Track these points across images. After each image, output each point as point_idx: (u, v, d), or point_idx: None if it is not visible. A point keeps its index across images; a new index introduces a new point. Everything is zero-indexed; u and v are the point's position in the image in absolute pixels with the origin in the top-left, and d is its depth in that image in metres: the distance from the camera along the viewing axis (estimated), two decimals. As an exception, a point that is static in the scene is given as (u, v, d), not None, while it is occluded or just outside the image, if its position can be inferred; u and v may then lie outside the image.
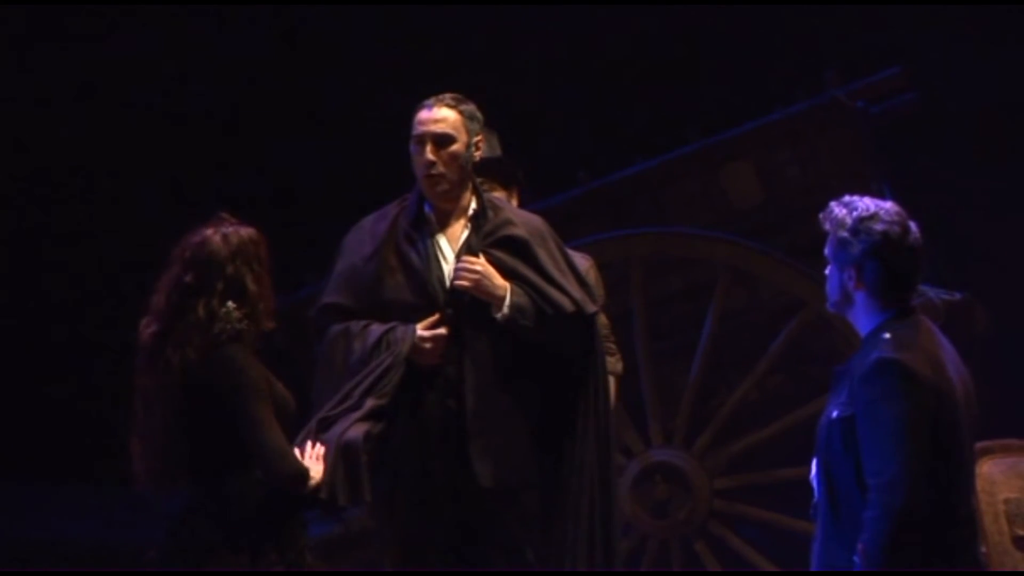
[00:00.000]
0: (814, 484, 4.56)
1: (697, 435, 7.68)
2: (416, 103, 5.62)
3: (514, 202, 6.22)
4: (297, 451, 4.96)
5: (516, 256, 5.51)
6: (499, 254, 5.50)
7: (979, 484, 6.41)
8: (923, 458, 4.24)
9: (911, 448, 4.23)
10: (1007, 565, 6.58)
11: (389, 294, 5.49)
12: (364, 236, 5.61)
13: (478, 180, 5.69)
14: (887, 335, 4.37)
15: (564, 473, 5.52)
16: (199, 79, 10.13)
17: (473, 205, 5.60)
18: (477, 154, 5.61)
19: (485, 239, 5.53)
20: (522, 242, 5.54)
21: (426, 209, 5.57)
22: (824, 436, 4.45)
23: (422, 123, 5.53)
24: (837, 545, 4.37)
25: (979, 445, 5.63)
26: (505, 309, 5.40)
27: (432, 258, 5.51)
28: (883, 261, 4.43)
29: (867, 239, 4.42)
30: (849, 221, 4.45)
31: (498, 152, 6.49)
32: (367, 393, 5.27)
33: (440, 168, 5.49)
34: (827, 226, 4.51)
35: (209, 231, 4.84)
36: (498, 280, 5.42)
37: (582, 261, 6.10)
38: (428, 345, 5.37)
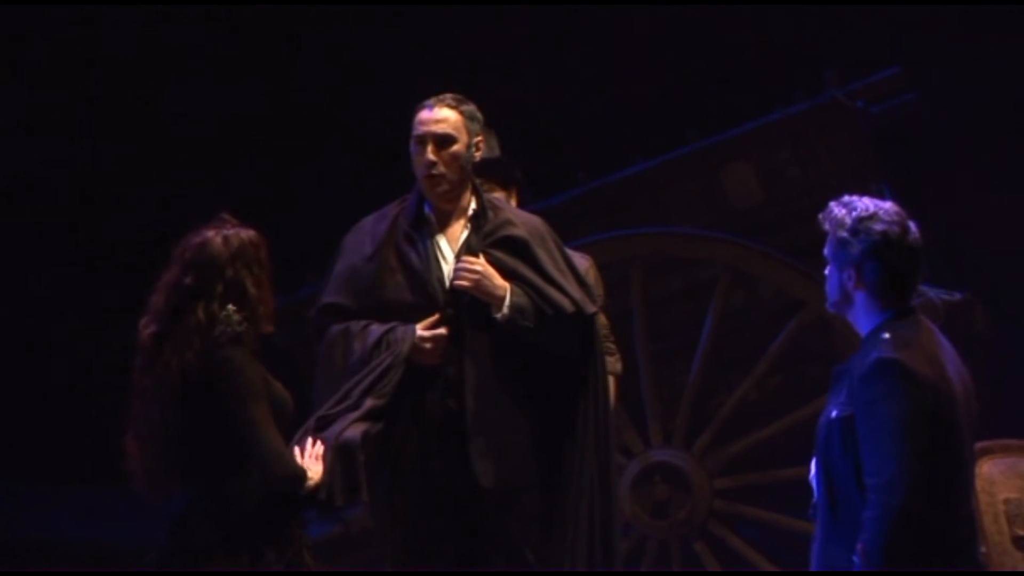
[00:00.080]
0: (813, 484, 4.56)
1: (697, 435, 7.68)
2: (416, 103, 5.62)
3: (513, 202, 6.22)
4: (297, 450, 4.96)
5: (516, 256, 5.52)
6: (499, 254, 5.50)
7: (979, 484, 6.41)
8: (923, 458, 4.24)
9: (910, 448, 4.23)
10: (1007, 565, 6.58)
11: (389, 294, 5.49)
12: (364, 236, 5.61)
13: (477, 180, 5.69)
14: (887, 335, 4.38)
15: (564, 473, 5.52)
16: (199, 79, 10.12)
17: (473, 205, 5.60)
18: (477, 154, 5.62)
19: (485, 239, 5.54)
20: (522, 242, 5.54)
21: (426, 209, 5.57)
22: (823, 436, 4.45)
23: (423, 123, 5.53)
24: (837, 545, 4.37)
25: (979, 445, 5.63)
26: (505, 309, 5.40)
27: (432, 258, 5.51)
28: (883, 261, 4.43)
29: (867, 239, 4.42)
30: (849, 221, 4.45)
31: (497, 152, 6.49)
32: (366, 393, 5.27)
33: (441, 168, 5.49)
34: (827, 226, 4.51)
35: (210, 232, 4.83)
36: (498, 280, 5.43)
37: (581, 261, 6.10)
38: (428, 345, 5.37)
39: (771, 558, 7.58)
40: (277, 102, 10.20)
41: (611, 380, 6.04)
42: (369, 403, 5.24)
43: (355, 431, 5.12)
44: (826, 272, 4.56)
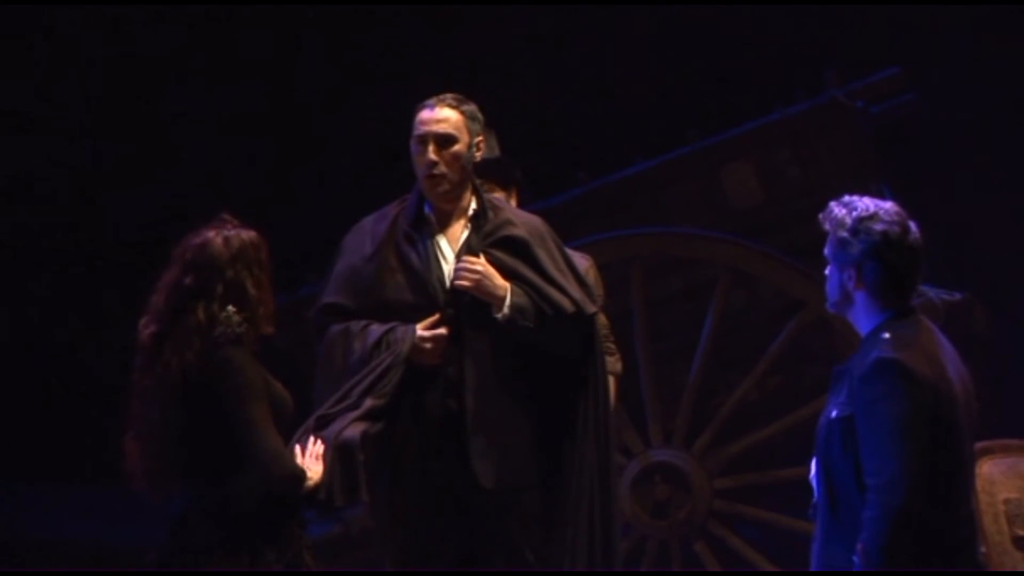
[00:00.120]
0: (813, 484, 4.56)
1: (697, 435, 7.68)
2: (416, 103, 5.62)
3: (513, 202, 6.23)
4: (297, 448, 4.96)
5: (516, 256, 5.52)
6: (499, 254, 5.50)
7: (979, 484, 6.41)
8: (922, 458, 4.24)
9: (910, 448, 4.24)
10: (1007, 565, 6.58)
11: (389, 294, 5.49)
12: (364, 236, 5.61)
13: (477, 181, 5.69)
14: (887, 335, 4.38)
15: (564, 473, 5.52)
16: (199, 79, 10.12)
17: (473, 205, 5.60)
18: (478, 155, 5.62)
19: (485, 239, 5.54)
20: (522, 242, 5.54)
21: (426, 209, 5.57)
22: (823, 436, 4.45)
23: (424, 123, 5.53)
24: (837, 545, 4.37)
25: (979, 445, 5.63)
26: (505, 309, 5.40)
27: (432, 258, 5.51)
28: (883, 261, 4.43)
29: (867, 239, 4.43)
30: (849, 221, 4.45)
31: (497, 152, 6.49)
32: (366, 393, 5.27)
33: (442, 168, 5.49)
34: (827, 226, 4.51)
35: (211, 233, 4.83)
36: (498, 280, 5.43)
37: (581, 261, 6.10)
38: (428, 345, 5.37)
39: (771, 558, 7.58)
40: (277, 102, 10.20)
41: (611, 380, 6.04)
42: (369, 403, 5.24)
43: (354, 431, 5.12)
44: (826, 272, 4.56)
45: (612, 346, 6.32)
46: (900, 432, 4.24)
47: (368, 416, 5.21)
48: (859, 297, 4.47)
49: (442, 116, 5.53)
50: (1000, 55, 9.30)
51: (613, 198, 8.06)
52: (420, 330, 5.38)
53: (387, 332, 5.39)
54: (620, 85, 10.00)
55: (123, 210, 10.09)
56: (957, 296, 7.34)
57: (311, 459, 4.93)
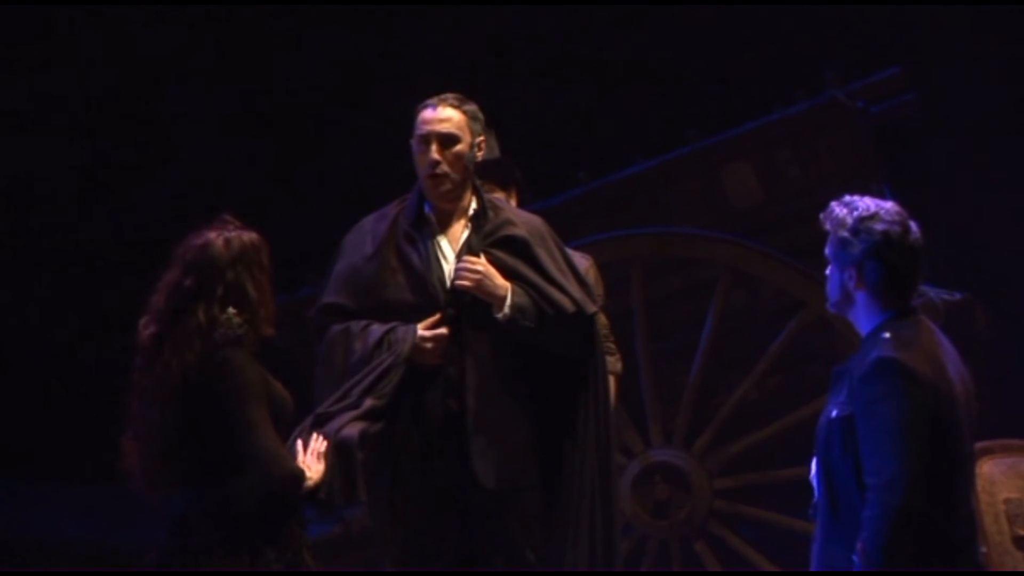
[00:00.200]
0: (813, 484, 4.56)
1: (697, 435, 7.68)
2: (416, 103, 5.62)
3: (513, 202, 6.23)
4: (299, 445, 4.96)
5: (516, 256, 5.52)
6: (499, 254, 5.50)
7: (979, 484, 6.41)
8: (922, 457, 4.24)
9: (910, 447, 4.24)
10: (1007, 565, 6.58)
11: (390, 294, 5.49)
12: (364, 236, 5.61)
13: (477, 181, 5.69)
14: (887, 335, 4.38)
15: (565, 473, 5.52)
16: (199, 79, 10.12)
17: (473, 205, 5.60)
18: (479, 154, 5.62)
19: (485, 239, 5.54)
20: (522, 242, 5.54)
21: (426, 209, 5.57)
22: (823, 436, 4.45)
23: (427, 122, 5.53)
24: (837, 545, 4.37)
25: (979, 445, 5.63)
26: (506, 309, 5.40)
27: (433, 258, 5.51)
28: (884, 261, 4.43)
29: (868, 239, 4.43)
30: (850, 221, 4.45)
31: (496, 153, 6.50)
32: (366, 392, 5.27)
33: (445, 168, 5.49)
34: (828, 226, 4.51)
35: (212, 234, 4.83)
36: (499, 280, 5.43)
37: (581, 261, 6.10)
38: (429, 345, 5.37)
39: (771, 558, 7.58)
40: (277, 102, 10.20)
41: (611, 380, 6.04)
42: (369, 403, 5.25)
43: (353, 429, 5.12)
44: (827, 272, 4.56)
45: (612, 346, 6.33)
46: (900, 432, 4.24)
47: (368, 416, 5.22)
48: (860, 297, 4.47)
49: (445, 116, 5.53)
50: (1000, 55, 9.30)
51: (613, 198, 8.06)
52: (421, 330, 5.38)
53: (388, 332, 5.39)
54: (620, 85, 10.00)
55: (123, 210, 10.09)
56: (957, 296, 7.34)
57: (312, 457, 4.92)
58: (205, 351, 4.69)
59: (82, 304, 10.02)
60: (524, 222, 5.64)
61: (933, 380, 4.31)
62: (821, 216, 4.54)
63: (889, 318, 4.43)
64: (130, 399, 4.82)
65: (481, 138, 5.61)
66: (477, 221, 5.57)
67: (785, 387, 7.90)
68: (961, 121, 9.21)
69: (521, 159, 6.60)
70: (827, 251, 4.54)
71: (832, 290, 4.54)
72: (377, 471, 5.35)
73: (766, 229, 7.83)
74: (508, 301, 5.40)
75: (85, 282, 10.00)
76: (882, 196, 4.80)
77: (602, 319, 5.96)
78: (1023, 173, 9.14)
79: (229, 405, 4.67)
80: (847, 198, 4.53)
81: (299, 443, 4.98)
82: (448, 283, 5.48)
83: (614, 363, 6.31)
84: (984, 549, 6.11)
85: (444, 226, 5.57)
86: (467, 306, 5.44)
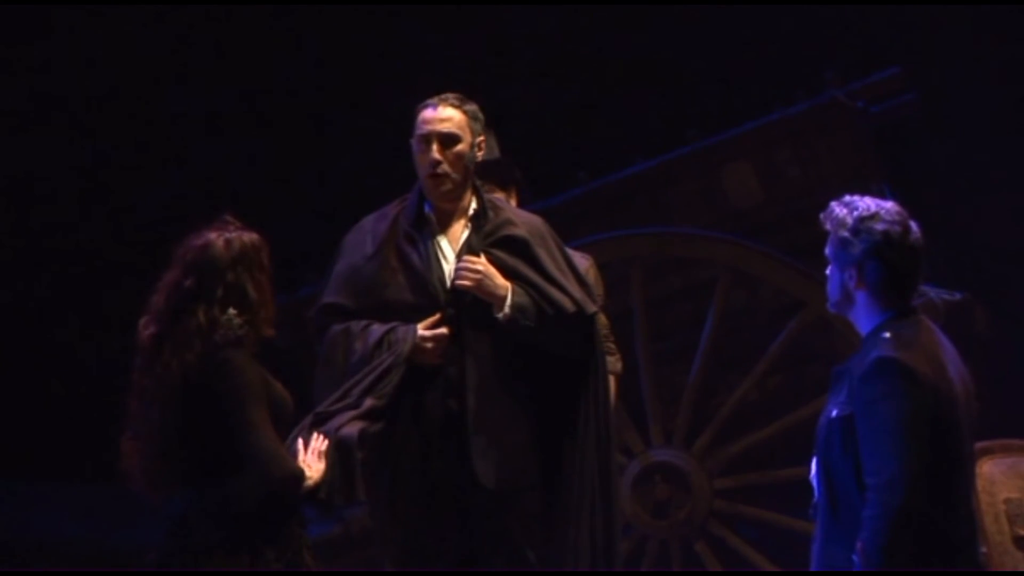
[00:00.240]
0: (814, 484, 4.56)
1: (697, 435, 7.68)
2: (416, 103, 5.62)
3: (513, 202, 6.23)
4: (300, 443, 4.95)
5: (517, 256, 5.52)
6: (500, 254, 5.50)
7: (979, 484, 6.41)
8: (922, 457, 4.24)
9: (910, 447, 4.24)
10: (1007, 565, 6.58)
11: (390, 294, 5.49)
12: (364, 236, 5.61)
13: (477, 181, 5.69)
14: (887, 334, 4.38)
15: (565, 473, 5.52)
16: (199, 79, 10.12)
17: (474, 205, 5.60)
18: (479, 154, 5.62)
19: (485, 239, 5.54)
20: (523, 242, 5.54)
21: (426, 209, 5.57)
22: (823, 435, 4.45)
23: (427, 122, 5.53)
24: (837, 545, 4.37)
25: (979, 445, 5.64)
26: (506, 309, 5.40)
27: (433, 258, 5.51)
28: (884, 261, 4.43)
29: (868, 239, 4.43)
30: (850, 221, 4.45)
31: (496, 153, 6.50)
32: (366, 392, 5.27)
33: (445, 167, 5.49)
34: (828, 226, 4.51)
35: (212, 235, 4.82)
36: (499, 280, 5.42)
37: (581, 261, 6.10)
38: (429, 345, 5.37)
39: (771, 558, 7.58)
40: (277, 102, 10.20)
41: (611, 380, 6.04)
42: (369, 403, 5.24)
43: (352, 429, 5.12)
44: (827, 272, 4.56)
45: (612, 346, 6.33)
46: (900, 432, 4.24)
47: (367, 416, 5.22)
48: (860, 297, 4.47)
49: (445, 115, 5.53)
50: (1000, 55, 9.30)
51: (613, 198, 8.06)
52: (421, 330, 5.38)
53: (388, 332, 5.39)
54: (620, 85, 10.00)
55: (123, 210, 10.09)
56: (957, 296, 7.34)
57: (313, 456, 4.92)
58: (205, 352, 4.69)
59: (82, 304, 10.02)
60: (524, 222, 5.64)
61: (933, 380, 4.31)
62: (821, 216, 4.54)
63: (889, 318, 4.43)
64: (130, 399, 4.82)
65: (481, 138, 5.61)
66: (477, 221, 5.57)
67: (785, 387, 7.90)
68: (961, 121, 9.21)
69: (521, 159, 6.60)
70: (827, 251, 4.54)
71: (832, 290, 4.54)
72: (377, 471, 5.35)
73: (766, 229, 7.83)
74: (508, 301, 5.40)
75: (85, 282, 10.00)
76: (882, 196, 4.80)
77: (602, 319, 5.96)
78: (1023, 173, 9.14)
79: (229, 405, 4.67)
80: (847, 198, 4.53)
81: (299, 442, 4.98)
82: (448, 283, 5.48)
83: (614, 363, 6.31)
84: (984, 549, 6.13)
85: (444, 226, 5.57)
86: (467, 306, 5.44)
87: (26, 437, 9.65)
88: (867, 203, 4.48)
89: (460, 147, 5.52)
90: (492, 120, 5.89)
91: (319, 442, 4.98)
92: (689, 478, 7.61)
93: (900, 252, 4.44)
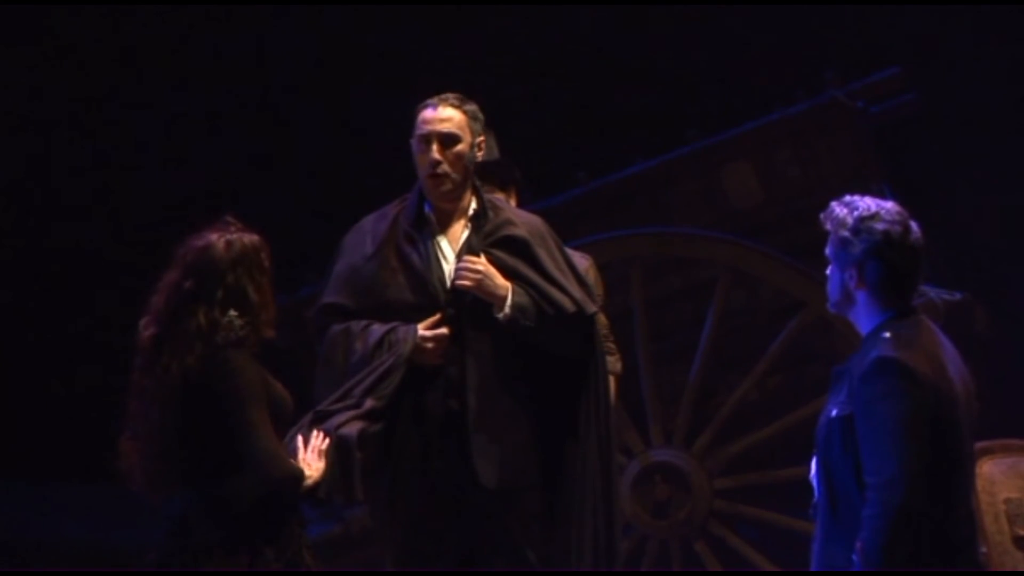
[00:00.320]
0: (814, 483, 4.56)
1: (697, 435, 7.68)
2: (416, 103, 5.62)
3: (512, 202, 6.23)
4: (300, 440, 4.95)
5: (517, 256, 5.52)
6: (500, 254, 5.50)
7: (979, 484, 6.41)
8: (922, 457, 4.24)
9: (910, 447, 4.23)
10: (1007, 565, 6.58)
11: (390, 294, 5.49)
12: (364, 236, 5.61)
13: (477, 181, 5.69)
14: (887, 334, 4.38)
15: (566, 473, 5.52)
16: (199, 79, 10.12)
17: (473, 205, 5.60)
18: (479, 154, 5.62)
19: (485, 239, 5.54)
20: (522, 242, 5.54)
21: (426, 209, 5.57)
22: (823, 435, 4.45)
23: (427, 122, 5.53)
24: (836, 544, 4.37)
25: (979, 445, 5.63)
26: (507, 309, 5.40)
27: (433, 258, 5.50)
28: (884, 260, 4.43)
29: (868, 238, 4.42)
30: (850, 221, 4.45)
31: (496, 154, 6.50)
32: (367, 393, 5.27)
33: (445, 168, 5.49)
34: (828, 226, 4.51)
35: (213, 236, 4.82)
36: (500, 280, 5.42)
37: (581, 261, 6.10)
38: (430, 345, 5.37)
39: (771, 558, 7.58)
40: (277, 102, 10.20)
41: (611, 380, 6.04)
42: (369, 403, 5.24)
43: (352, 428, 5.12)
44: (828, 272, 4.56)
45: (612, 346, 6.33)
46: (900, 431, 4.24)
47: (367, 416, 5.21)
48: (860, 297, 4.47)
49: (445, 115, 5.53)
50: (1000, 55, 9.30)
51: (613, 198, 8.06)
52: (422, 330, 5.38)
53: (388, 332, 5.39)
54: (620, 85, 10.00)
55: (123, 210, 10.09)
56: (957, 296, 7.33)
57: (313, 454, 4.92)
58: (205, 353, 4.69)
59: (82, 304, 10.02)
60: (524, 222, 5.64)
61: (933, 380, 4.31)
62: (821, 216, 4.54)
63: (889, 318, 4.43)
64: (130, 399, 4.82)
65: (481, 138, 5.61)
66: (477, 221, 5.57)
67: (785, 387, 7.90)
68: (961, 121, 9.21)
69: (521, 159, 6.59)
70: (827, 251, 4.54)
71: (832, 290, 4.54)
72: (377, 471, 5.34)
73: (766, 229, 7.83)
74: (509, 301, 5.40)
75: (85, 282, 10.00)
76: (882, 196, 4.80)
77: (602, 319, 5.96)
78: (1023, 173, 9.14)
79: (229, 405, 4.67)
80: (847, 198, 4.53)
81: (299, 439, 4.97)
82: (448, 283, 5.47)
83: (614, 363, 6.31)
84: (984, 549, 6.13)
85: (444, 226, 5.56)
86: (467, 306, 5.44)
87: (26, 437, 9.65)
88: (867, 203, 4.48)
89: (460, 147, 5.51)
90: (492, 120, 5.89)
91: (319, 440, 4.98)
92: (689, 478, 7.61)
93: (900, 252, 4.44)
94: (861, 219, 4.44)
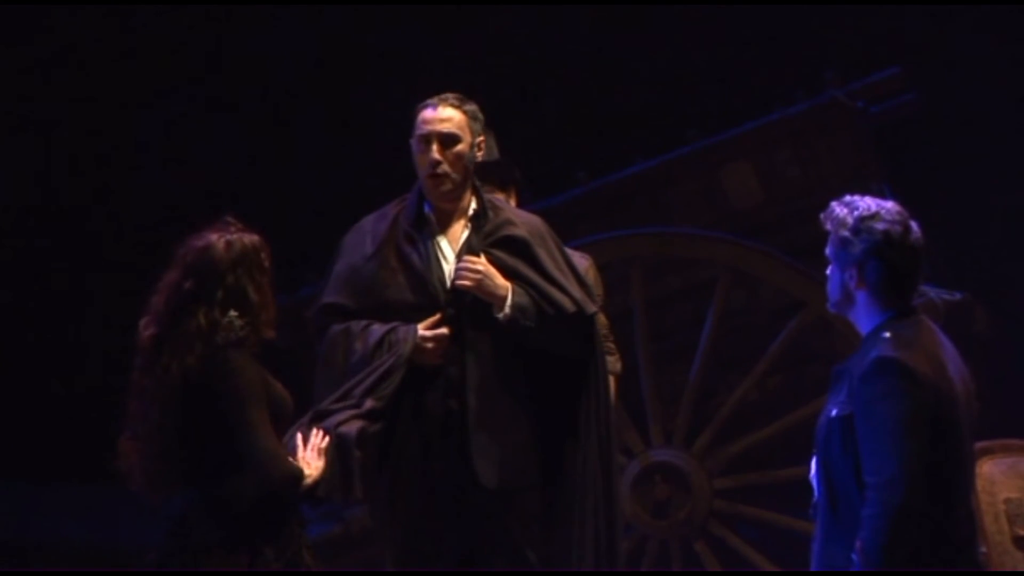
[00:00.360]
0: (813, 483, 4.56)
1: (697, 435, 7.68)
2: (416, 103, 5.62)
3: (512, 203, 6.22)
4: (299, 437, 4.95)
5: (517, 256, 5.51)
6: (499, 254, 5.50)
7: (979, 484, 6.41)
8: (922, 457, 4.24)
9: (910, 447, 4.23)
10: (1007, 565, 6.58)
11: (390, 294, 5.48)
12: (364, 236, 5.60)
13: (477, 181, 5.69)
14: (887, 334, 4.38)
15: (566, 473, 5.52)
16: (199, 79, 10.12)
17: (473, 205, 5.60)
18: (479, 154, 5.62)
19: (485, 239, 5.53)
20: (522, 242, 5.54)
21: (426, 209, 5.57)
22: (823, 435, 4.45)
23: (427, 122, 5.53)
24: (836, 544, 4.37)
25: (979, 445, 5.63)
26: (507, 309, 5.40)
27: (433, 258, 5.50)
28: (885, 260, 4.43)
29: (868, 238, 4.42)
30: (851, 220, 4.45)
31: (495, 154, 6.49)
32: (367, 393, 5.27)
33: (445, 168, 5.49)
34: (828, 226, 4.51)
35: (213, 236, 4.82)
36: (500, 280, 5.42)
37: (580, 261, 6.10)
38: (430, 345, 5.37)
39: (771, 558, 7.58)
40: (277, 102, 10.20)
41: (611, 380, 6.04)
42: (369, 404, 5.24)
43: (351, 427, 5.12)
44: (828, 272, 4.56)
45: (611, 346, 6.33)
46: (900, 431, 4.24)
47: (367, 416, 5.21)
48: (860, 296, 4.47)
49: (445, 115, 5.53)
50: (1000, 55, 9.30)
51: (613, 198, 8.06)
52: (422, 330, 5.38)
53: (388, 332, 5.39)
54: (620, 85, 10.00)
55: (123, 210, 10.09)
56: (957, 296, 7.34)
57: (312, 452, 4.92)
58: (206, 353, 4.69)
59: (83, 304, 10.02)
60: (524, 222, 5.64)
61: (933, 380, 4.31)
62: (821, 216, 4.54)
63: (889, 318, 4.43)
64: (130, 399, 4.82)
65: (481, 138, 5.61)
66: (477, 221, 5.57)
67: (785, 387, 7.90)
68: (961, 121, 9.21)
69: (521, 159, 6.59)
70: (828, 251, 4.54)
71: (833, 290, 4.54)
72: (377, 471, 5.34)
73: (766, 229, 7.83)
74: (509, 301, 5.40)
75: (85, 282, 10.00)
76: (882, 196, 4.80)
77: (601, 319, 5.96)
78: (1023, 173, 9.14)
79: (228, 405, 4.67)
80: (847, 198, 4.53)
81: (298, 436, 4.97)
82: (448, 283, 5.47)
83: (613, 363, 6.31)
84: (984, 549, 6.13)
85: (444, 226, 5.56)
86: (467, 306, 5.44)
87: (26, 437, 9.65)
88: (867, 203, 4.48)
89: (460, 147, 5.51)
90: (492, 120, 5.89)
91: (318, 439, 4.97)
92: (689, 478, 7.61)
93: (901, 252, 4.44)
94: (861, 219, 4.44)
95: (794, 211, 7.69)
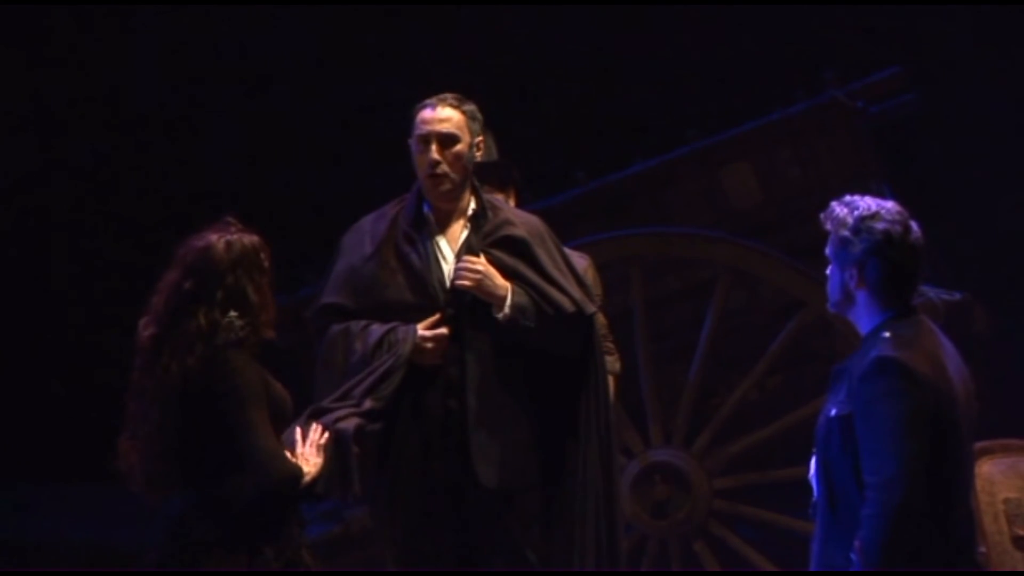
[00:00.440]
0: (813, 483, 4.56)
1: (697, 435, 7.68)
2: (415, 103, 5.62)
3: (511, 203, 6.22)
4: (299, 433, 4.95)
5: (516, 256, 5.52)
6: (499, 254, 5.50)
7: (979, 484, 6.41)
8: (922, 457, 4.24)
9: (910, 447, 4.23)
10: (1007, 565, 6.58)
11: (389, 294, 5.48)
12: (363, 236, 5.61)
13: (476, 181, 5.69)
14: (887, 334, 4.38)
15: (566, 474, 5.52)
16: (199, 79, 10.12)
17: (472, 205, 5.60)
18: (478, 155, 5.62)
19: (485, 239, 5.54)
20: (522, 242, 5.54)
21: (425, 209, 5.57)
22: (823, 435, 4.45)
23: (426, 122, 5.53)
24: (836, 544, 4.37)
25: (979, 445, 5.64)
26: (506, 309, 5.40)
27: (432, 258, 5.50)
28: (885, 260, 4.43)
29: (869, 238, 4.42)
30: (851, 220, 4.45)
31: (494, 155, 6.49)
32: (367, 393, 5.27)
33: (445, 168, 5.49)
34: (828, 226, 4.51)
35: (213, 237, 4.82)
36: (499, 280, 5.42)
37: (580, 261, 6.10)
38: (430, 345, 5.37)
39: (771, 558, 7.58)
40: (277, 102, 10.20)
41: (610, 380, 6.04)
42: (369, 404, 5.24)
43: (349, 424, 5.12)
44: (828, 272, 4.56)
45: (611, 346, 6.33)
46: (900, 431, 4.24)
47: (367, 416, 5.21)
48: (860, 296, 4.47)
49: (444, 116, 5.53)
50: (1000, 55, 9.30)
51: (613, 198, 8.06)
52: (421, 330, 5.38)
53: (388, 332, 5.39)
54: (620, 85, 10.00)
55: (123, 210, 10.09)
56: (957, 296, 7.33)
57: (311, 449, 4.92)
58: (205, 354, 4.69)
59: (82, 304, 10.02)
60: (523, 222, 5.64)
61: (933, 380, 4.31)
62: (821, 216, 4.54)
63: (889, 318, 4.43)
64: (130, 399, 4.82)
65: (480, 138, 5.61)
66: (476, 221, 5.57)
67: (785, 387, 7.90)
68: (961, 121, 9.21)
69: (521, 159, 6.59)
70: (828, 251, 4.54)
71: (833, 290, 4.54)
72: (377, 470, 5.35)
73: (766, 229, 7.83)
74: (508, 301, 5.40)
75: (85, 282, 10.00)
76: (882, 196, 4.80)
77: (601, 319, 5.96)
78: (1023, 173, 9.14)
79: (228, 405, 4.67)
80: (847, 198, 4.53)
81: (297, 431, 4.96)
82: (448, 283, 5.47)
83: (612, 363, 6.31)
84: (983, 549, 6.13)
85: (443, 226, 5.56)
86: (467, 306, 5.44)
87: (26, 438, 9.65)
88: (867, 203, 4.48)
89: (459, 147, 5.52)
90: (492, 120, 5.89)
91: (317, 435, 4.97)
92: (689, 478, 7.61)
93: (901, 252, 4.44)
94: (861, 219, 4.44)
95: (794, 211, 7.68)
